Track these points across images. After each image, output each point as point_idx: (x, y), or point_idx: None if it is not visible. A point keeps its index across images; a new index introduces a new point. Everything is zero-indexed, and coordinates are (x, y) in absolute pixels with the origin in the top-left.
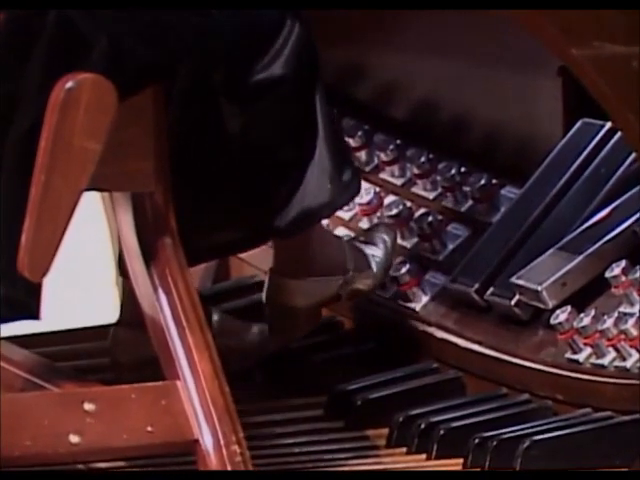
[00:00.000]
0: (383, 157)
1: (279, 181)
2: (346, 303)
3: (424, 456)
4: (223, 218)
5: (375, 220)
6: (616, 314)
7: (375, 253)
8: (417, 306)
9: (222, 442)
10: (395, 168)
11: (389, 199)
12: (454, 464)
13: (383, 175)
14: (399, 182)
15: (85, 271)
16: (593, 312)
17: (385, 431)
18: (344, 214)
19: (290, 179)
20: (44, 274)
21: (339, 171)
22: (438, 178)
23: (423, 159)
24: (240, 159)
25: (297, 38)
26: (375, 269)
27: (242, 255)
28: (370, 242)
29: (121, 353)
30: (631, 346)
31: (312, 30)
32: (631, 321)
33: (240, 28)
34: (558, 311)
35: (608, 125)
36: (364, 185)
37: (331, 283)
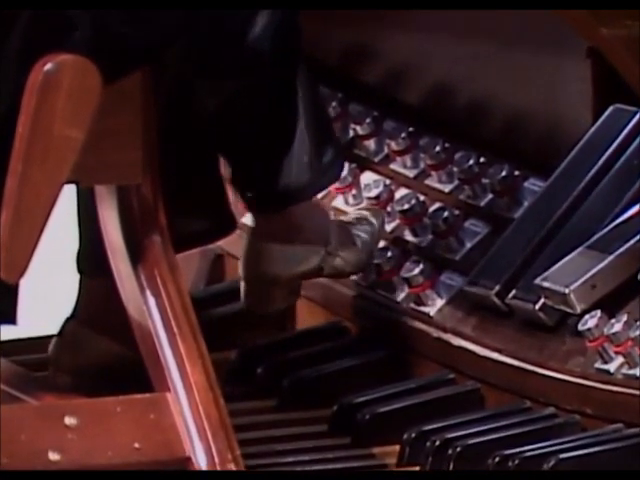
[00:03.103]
0: (394, 146)
1: (257, 159)
2: (353, 307)
3: None
4: (192, 207)
5: (386, 217)
6: None
7: (361, 233)
8: (431, 310)
9: (217, 460)
10: (407, 158)
11: (400, 192)
12: None
13: (394, 166)
14: (412, 174)
15: (64, 272)
16: (625, 317)
17: (396, 448)
18: (350, 209)
19: (269, 157)
20: (21, 275)
21: (319, 152)
22: (454, 169)
23: (438, 148)
24: (217, 138)
25: (275, 13)
26: (360, 247)
27: (238, 255)
28: (356, 223)
29: (65, 350)
30: None
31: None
32: None
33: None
34: (587, 316)
35: None
36: (373, 177)
37: (313, 253)
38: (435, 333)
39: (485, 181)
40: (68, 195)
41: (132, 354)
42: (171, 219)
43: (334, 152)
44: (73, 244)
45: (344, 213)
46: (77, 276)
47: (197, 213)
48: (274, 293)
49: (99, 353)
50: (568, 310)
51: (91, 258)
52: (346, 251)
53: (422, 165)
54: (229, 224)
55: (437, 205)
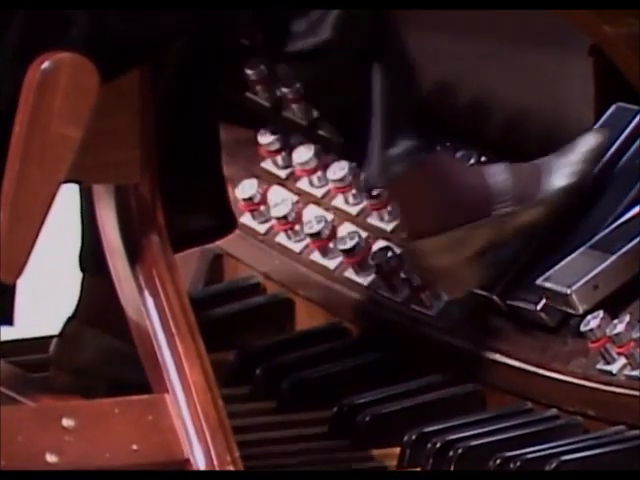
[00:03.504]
0: None
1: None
2: (353, 308)
3: None
4: (193, 206)
5: (386, 216)
6: None
7: (560, 168)
8: (432, 311)
9: (215, 462)
10: None
11: None
12: None
13: None
14: None
15: (60, 271)
16: (628, 318)
17: (396, 450)
18: (351, 208)
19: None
20: (18, 275)
21: (388, 144)
22: None
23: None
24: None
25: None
26: (548, 190)
27: (237, 255)
28: (563, 153)
29: (66, 349)
30: None
31: None
32: None
33: None
34: (589, 317)
35: None
36: None
37: (479, 227)
38: (436, 334)
39: None
40: (67, 195)
41: (133, 351)
42: (171, 218)
43: (407, 146)
44: (72, 244)
45: (347, 215)
46: (76, 276)
47: (197, 212)
48: (451, 282)
49: (100, 351)
50: (570, 311)
51: (93, 256)
52: (526, 205)
53: None
54: (229, 223)
55: None
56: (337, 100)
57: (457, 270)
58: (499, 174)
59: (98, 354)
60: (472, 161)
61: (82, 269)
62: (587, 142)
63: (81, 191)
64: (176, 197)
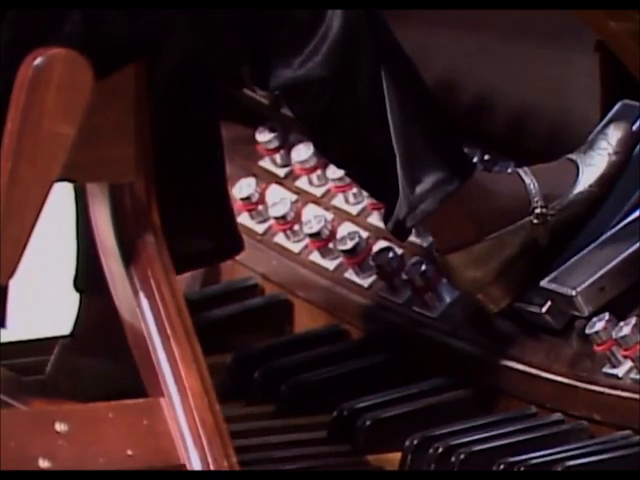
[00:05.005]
0: None
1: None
2: (353, 309)
3: None
4: (201, 222)
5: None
6: None
7: (593, 161)
8: (434, 313)
9: (212, 467)
10: None
11: None
12: None
13: None
14: None
15: (54, 273)
16: (634, 320)
17: (398, 455)
18: (351, 208)
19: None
20: (10, 276)
21: (413, 181)
22: None
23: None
24: None
25: (338, 31)
26: (580, 186)
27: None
28: (592, 147)
29: (63, 376)
30: None
31: (375, 15)
32: None
33: (264, 20)
34: (595, 319)
35: None
36: None
37: (512, 234)
38: (438, 337)
39: None
40: (65, 195)
41: (133, 373)
42: (173, 238)
43: (432, 179)
44: (68, 244)
45: (347, 214)
46: (72, 276)
47: (201, 231)
48: (491, 293)
49: (98, 379)
50: (575, 313)
51: (89, 275)
52: (561, 204)
53: None
54: (236, 245)
55: None
56: (353, 142)
57: (491, 281)
58: (524, 176)
59: (95, 382)
60: (476, 159)
61: (77, 289)
62: (614, 134)
63: (77, 209)
64: (177, 213)
